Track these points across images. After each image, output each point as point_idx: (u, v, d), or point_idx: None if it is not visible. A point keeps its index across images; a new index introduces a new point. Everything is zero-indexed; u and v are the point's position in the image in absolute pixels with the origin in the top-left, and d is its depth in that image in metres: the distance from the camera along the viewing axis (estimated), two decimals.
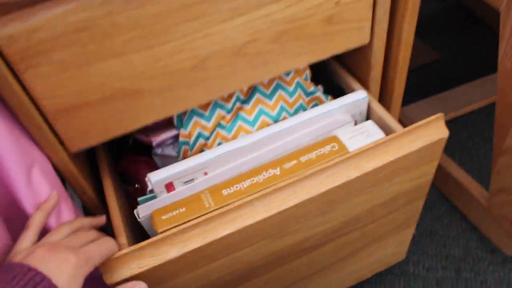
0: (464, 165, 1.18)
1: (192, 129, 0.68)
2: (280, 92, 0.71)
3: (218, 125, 0.69)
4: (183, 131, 0.68)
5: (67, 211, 0.58)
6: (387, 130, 0.69)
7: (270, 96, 0.71)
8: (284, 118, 0.71)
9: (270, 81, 0.72)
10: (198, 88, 0.60)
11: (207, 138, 0.69)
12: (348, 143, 0.65)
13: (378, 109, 0.70)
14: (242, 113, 0.70)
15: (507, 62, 0.74)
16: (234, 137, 0.69)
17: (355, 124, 0.72)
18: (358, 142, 0.65)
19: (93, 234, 0.55)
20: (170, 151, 0.71)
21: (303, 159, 0.63)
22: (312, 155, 0.64)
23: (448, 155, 1.17)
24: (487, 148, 1.22)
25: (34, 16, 0.46)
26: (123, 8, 0.49)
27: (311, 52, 0.65)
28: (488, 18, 1.55)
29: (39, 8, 0.46)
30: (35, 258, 0.45)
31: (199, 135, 0.69)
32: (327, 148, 0.64)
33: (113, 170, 0.73)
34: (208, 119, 0.69)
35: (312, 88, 0.75)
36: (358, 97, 0.70)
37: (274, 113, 0.70)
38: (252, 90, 0.71)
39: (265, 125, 0.70)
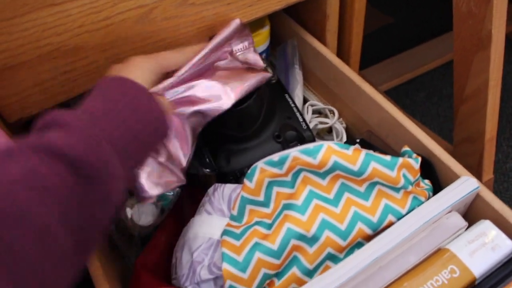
0: (425, 124, 1.18)
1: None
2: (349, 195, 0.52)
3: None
4: None
5: None
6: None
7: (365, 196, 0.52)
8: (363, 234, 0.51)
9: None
10: (146, 44, 0.56)
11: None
12: (471, 263, 0.47)
13: (490, 198, 0.53)
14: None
15: (461, 5, 0.73)
16: None
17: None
18: (483, 260, 0.48)
19: None
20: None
21: None
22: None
23: (410, 115, 1.16)
24: (446, 106, 1.23)
25: None
26: None
27: (264, 2, 0.62)
28: None
29: None
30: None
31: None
32: (444, 275, 0.47)
33: None
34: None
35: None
36: (469, 188, 0.52)
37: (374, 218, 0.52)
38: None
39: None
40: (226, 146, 0.61)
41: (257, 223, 0.51)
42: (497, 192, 1.07)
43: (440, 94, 1.26)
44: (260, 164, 0.51)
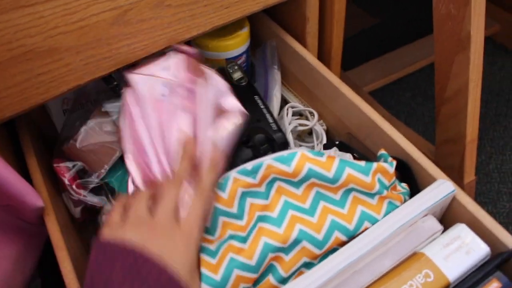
0: (409, 125, 1.18)
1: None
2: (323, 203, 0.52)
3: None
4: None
5: None
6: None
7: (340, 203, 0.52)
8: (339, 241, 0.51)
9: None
10: (122, 46, 0.56)
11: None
12: (445, 267, 0.47)
13: (466, 201, 0.53)
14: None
15: (441, 7, 0.73)
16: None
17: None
18: (458, 264, 0.48)
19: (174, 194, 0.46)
20: None
21: None
22: None
23: (395, 115, 1.17)
24: (431, 107, 1.23)
25: None
26: None
27: (242, 3, 0.61)
28: None
29: None
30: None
31: None
32: (419, 279, 0.46)
33: (42, 151, 0.67)
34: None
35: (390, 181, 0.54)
36: (444, 191, 0.52)
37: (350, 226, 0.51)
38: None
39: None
40: None
41: (231, 236, 0.50)
42: (480, 193, 1.08)
43: (425, 94, 1.26)
44: (233, 174, 0.50)
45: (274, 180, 0.51)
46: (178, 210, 0.45)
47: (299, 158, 0.50)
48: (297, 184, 0.51)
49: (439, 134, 0.91)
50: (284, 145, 0.62)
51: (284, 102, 0.75)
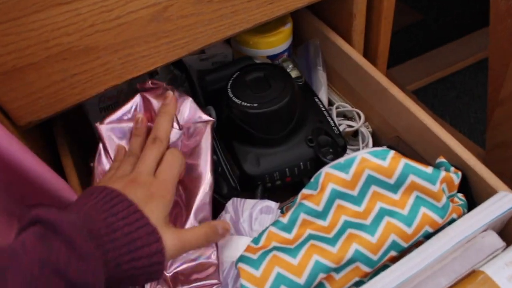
0: (455, 126, 1.12)
1: None
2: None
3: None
4: None
5: None
6: None
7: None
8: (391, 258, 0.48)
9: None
10: (161, 44, 0.53)
11: None
12: None
13: None
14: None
15: (500, 2, 0.68)
16: None
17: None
18: None
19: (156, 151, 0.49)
20: None
21: None
22: None
23: (439, 116, 1.11)
24: (477, 107, 1.17)
25: None
26: None
27: None
28: None
29: None
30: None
31: None
32: None
33: (77, 150, 0.66)
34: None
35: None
36: (507, 204, 0.48)
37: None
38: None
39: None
40: (256, 149, 0.58)
41: (312, 236, 0.47)
42: None
43: (471, 94, 1.20)
44: (325, 169, 0.48)
45: (368, 184, 0.48)
46: (156, 167, 0.48)
47: (393, 155, 0.48)
48: (394, 188, 0.48)
49: (490, 138, 0.86)
50: (344, 149, 0.60)
51: (328, 102, 0.71)
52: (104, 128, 0.55)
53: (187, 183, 0.53)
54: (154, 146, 0.49)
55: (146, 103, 0.56)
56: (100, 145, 0.55)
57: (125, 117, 0.56)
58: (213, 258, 0.49)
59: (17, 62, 0.46)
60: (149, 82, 0.56)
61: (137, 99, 0.56)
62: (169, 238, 0.42)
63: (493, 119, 0.82)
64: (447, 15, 1.42)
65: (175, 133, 0.54)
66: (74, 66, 0.50)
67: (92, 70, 0.51)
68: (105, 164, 0.55)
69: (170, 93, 0.54)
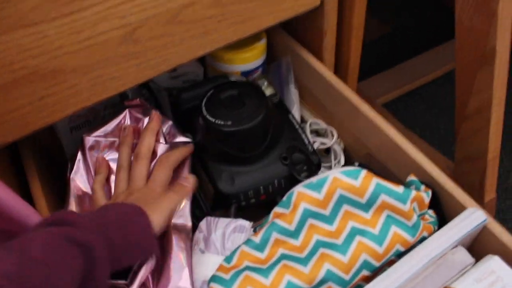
0: (425, 138, 1.14)
1: None
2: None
3: None
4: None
5: None
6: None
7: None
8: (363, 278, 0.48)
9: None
10: (131, 65, 0.53)
11: None
12: None
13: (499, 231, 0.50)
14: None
15: (464, 18, 0.70)
16: None
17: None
18: None
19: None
20: None
21: None
22: None
23: (409, 128, 1.13)
24: (446, 119, 1.20)
25: None
26: None
27: (257, 18, 0.58)
28: None
29: None
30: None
31: None
32: None
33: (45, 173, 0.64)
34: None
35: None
36: (476, 220, 0.49)
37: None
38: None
39: None
40: (230, 167, 0.58)
41: (284, 256, 0.47)
42: (499, 210, 1.04)
43: (440, 106, 1.23)
44: (298, 188, 0.49)
45: (340, 203, 0.48)
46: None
47: (365, 175, 0.48)
48: (365, 207, 0.48)
49: (459, 150, 0.88)
50: (318, 167, 0.60)
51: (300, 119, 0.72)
52: (90, 140, 0.59)
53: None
54: (137, 164, 0.55)
55: (133, 119, 0.60)
56: (79, 155, 0.59)
57: (111, 131, 0.60)
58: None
59: None
60: (137, 99, 0.60)
61: (125, 114, 0.60)
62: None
63: (460, 133, 0.84)
64: (414, 28, 1.45)
65: (161, 147, 0.58)
66: (41, 89, 0.49)
67: (61, 92, 0.50)
68: (83, 175, 0.59)
69: (153, 111, 0.58)
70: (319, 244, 0.47)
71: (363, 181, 0.47)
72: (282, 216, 0.48)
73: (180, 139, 0.59)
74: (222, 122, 0.56)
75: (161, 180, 0.54)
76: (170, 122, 0.60)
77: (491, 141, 0.78)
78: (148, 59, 0.53)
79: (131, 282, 0.46)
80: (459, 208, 0.52)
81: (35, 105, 0.49)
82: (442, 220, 0.53)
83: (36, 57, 0.46)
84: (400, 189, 0.48)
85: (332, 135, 0.68)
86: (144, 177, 0.55)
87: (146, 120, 0.59)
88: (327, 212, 0.48)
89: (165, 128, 0.60)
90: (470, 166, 0.87)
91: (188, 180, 0.56)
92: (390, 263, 0.47)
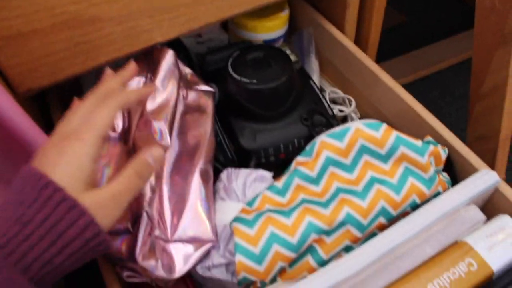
0: None
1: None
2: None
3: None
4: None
5: None
6: None
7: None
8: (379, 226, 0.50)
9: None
10: (164, 19, 0.54)
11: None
12: (489, 258, 0.46)
13: (510, 193, 0.52)
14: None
15: (485, 0, 0.71)
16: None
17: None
18: (502, 255, 0.46)
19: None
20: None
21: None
22: (443, 280, 0.44)
23: None
24: (458, 106, 1.21)
25: None
26: None
27: None
28: None
29: None
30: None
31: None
32: (462, 268, 0.45)
33: None
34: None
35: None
36: (489, 181, 0.51)
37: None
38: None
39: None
40: (252, 124, 0.60)
41: (304, 200, 0.49)
42: None
43: (453, 93, 1.24)
44: (321, 137, 0.51)
45: (361, 153, 0.50)
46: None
47: (386, 128, 0.50)
48: (385, 158, 0.50)
49: (471, 131, 0.89)
50: None
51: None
52: None
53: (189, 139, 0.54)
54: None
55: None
56: None
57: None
58: None
59: (22, 27, 0.47)
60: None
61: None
62: (94, 201, 0.35)
63: (474, 113, 0.86)
64: (429, 17, 1.46)
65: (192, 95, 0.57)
66: (78, 35, 0.50)
67: (96, 40, 0.52)
68: None
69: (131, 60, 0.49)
70: (339, 191, 0.49)
71: (384, 133, 0.49)
72: (305, 163, 0.50)
73: (203, 87, 0.59)
74: (248, 80, 0.58)
75: (97, 124, 0.39)
76: (191, 71, 0.59)
77: (504, 120, 0.79)
78: (180, 14, 0.55)
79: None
80: (472, 171, 0.54)
81: (70, 51, 0.51)
82: (455, 182, 0.55)
83: (77, 3, 0.48)
84: (419, 143, 0.50)
85: (350, 104, 0.70)
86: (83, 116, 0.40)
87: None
88: (348, 161, 0.50)
89: (188, 76, 0.59)
90: (482, 146, 0.88)
91: (153, 154, 0.40)
92: (405, 215, 0.49)
